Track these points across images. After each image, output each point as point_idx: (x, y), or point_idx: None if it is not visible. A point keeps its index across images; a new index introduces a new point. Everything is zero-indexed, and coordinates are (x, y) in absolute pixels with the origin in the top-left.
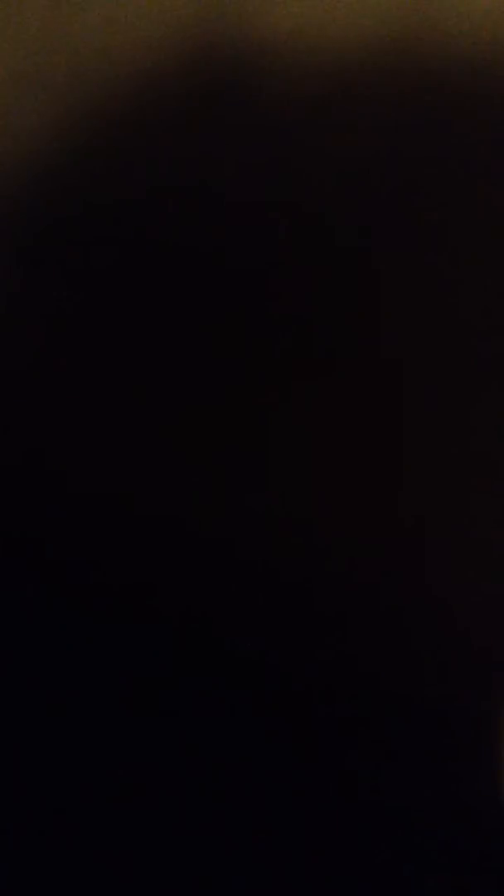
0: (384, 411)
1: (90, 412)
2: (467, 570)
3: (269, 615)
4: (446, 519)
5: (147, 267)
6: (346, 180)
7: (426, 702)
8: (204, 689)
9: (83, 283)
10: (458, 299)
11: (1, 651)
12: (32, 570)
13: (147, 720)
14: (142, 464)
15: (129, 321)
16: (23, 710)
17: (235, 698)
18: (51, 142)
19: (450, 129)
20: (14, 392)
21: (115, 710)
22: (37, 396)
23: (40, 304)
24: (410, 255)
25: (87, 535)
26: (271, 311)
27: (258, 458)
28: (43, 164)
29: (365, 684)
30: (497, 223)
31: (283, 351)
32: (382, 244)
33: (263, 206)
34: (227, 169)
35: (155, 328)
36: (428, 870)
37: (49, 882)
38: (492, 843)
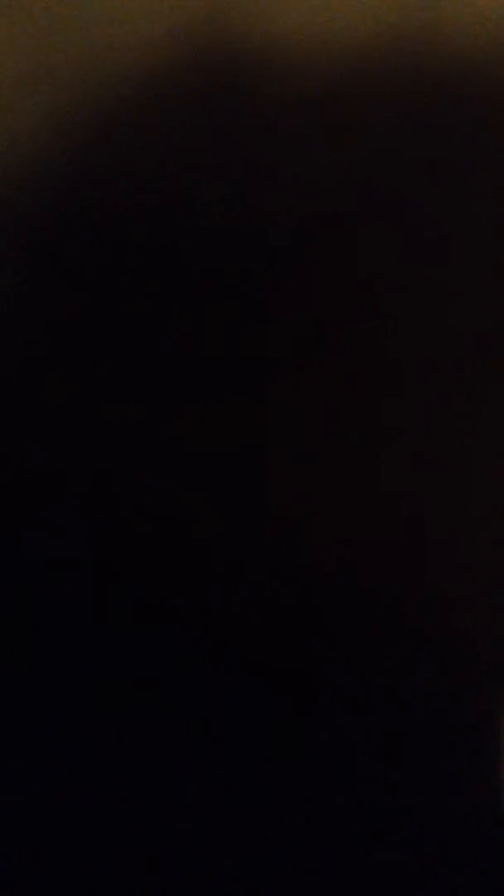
0: (384, 410)
1: (90, 411)
2: (467, 570)
3: (268, 614)
4: (446, 519)
5: (147, 266)
6: (346, 180)
7: (426, 702)
8: (203, 687)
9: (83, 282)
10: (458, 299)
11: (1, 650)
12: (31, 569)
13: (145, 719)
14: (141, 463)
15: (129, 320)
16: (23, 710)
17: (234, 697)
18: (51, 142)
19: (450, 129)
20: (13, 391)
21: (114, 709)
22: (36, 395)
23: (40, 304)
24: (410, 254)
25: (85, 534)
26: (271, 311)
27: (258, 457)
28: (43, 164)
29: (364, 684)
30: (497, 223)
31: (282, 350)
32: (382, 244)
33: (263, 206)
34: (227, 169)
35: (154, 327)
36: (428, 870)
37: (50, 881)
38: (492, 843)
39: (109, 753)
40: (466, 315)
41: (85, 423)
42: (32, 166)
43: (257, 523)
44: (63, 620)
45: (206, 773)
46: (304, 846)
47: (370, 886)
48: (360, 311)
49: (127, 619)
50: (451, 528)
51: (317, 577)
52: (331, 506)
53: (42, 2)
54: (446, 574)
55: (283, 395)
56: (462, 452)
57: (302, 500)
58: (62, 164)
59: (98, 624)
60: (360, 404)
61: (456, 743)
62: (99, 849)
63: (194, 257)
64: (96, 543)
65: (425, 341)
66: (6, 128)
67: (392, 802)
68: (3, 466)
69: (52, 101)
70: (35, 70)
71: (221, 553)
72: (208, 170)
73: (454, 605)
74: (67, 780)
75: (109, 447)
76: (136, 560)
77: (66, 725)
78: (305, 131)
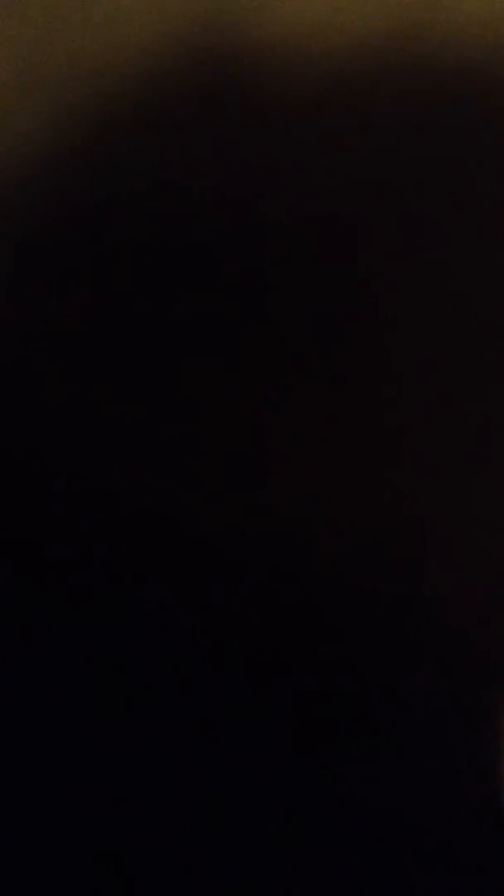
0: (384, 409)
1: (89, 411)
2: (467, 571)
3: (268, 614)
4: (446, 519)
5: (146, 266)
6: (346, 180)
7: (426, 701)
8: (202, 687)
9: (83, 282)
10: (458, 299)
11: (1, 650)
12: (31, 569)
13: (144, 719)
14: (140, 463)
15: (129, 320)
16: (21, 710)
17: (233, 697)
18: (51, 142)
19: (450, 129)
20: (12, 391)
21: (114, 709)
22: (36, 395)
23: (40, 304)
24: (411, 255)
25: (85, 533)
26: (271, 310)
27: (258, 457)
28: (43, 164)
29: (364, 683)
30: (497, 223)
31: (282, 350)
32: (382, 244)
33: (263, 206)
34: (227, 169)
35: (154, 327)
36: (428, 870)
37: (50, 881)
38: (492, 843)
39: (109, 753)
40: (467, 315)
41: (85, 424)
42: (32, 166)
43: (257, 523)
44: (63, 620)
45: (206, 773)
46: (303, 846)
47: (370, 886)
48: (359, 310)
49: (127, 619)
50: (451, 527)
51: (317, 577)
52: (331, 506)
53: (42, 2)
54: (446, 574)
55: (282, 394)
56: (463, 451)
57: (302, 500)
58: (62, 164)
59: (98, 624)
60: (360, 403)
61: (456, 743)
62: (98, 848)
63: (194, 257)
64: (96, 543)
65: (425, 340)
66: (6, 128)
67: (392, 802)
68: (2, 466)
69: (52, 101)
70: (35, 70)
71: (221, 553)
72: (208, 170)
73: (454, 605)
74: (67, 780)
75: (109, 447)
76: (136, 560)
77: (66, 725)
78: (305, 131)
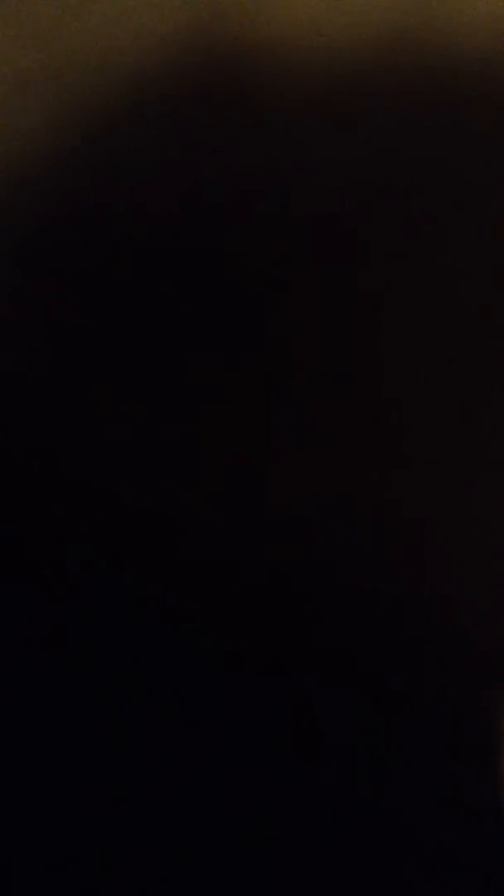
0: (384, 410)
1: (89, 412)
2: (467, 570)
3: (267, 615)
4: (446, 519)
5: (146, 266)
6: (346, 180)
7: (426, 701)
8: (202, 687)
9: (83, 282)
10: (459, 299)
11: (0, 650)
12: (31, 569)
13: (144, 719)
14: (141, 464)
15: (129, 321)
16: (21, 710)
17: (234, 696)
18: (51, 142)
19: (450, 129)
20: (12, 391)
21: (112, 709)
22: (35, 396)
23: (40, 304)
24: (411, 254)
25: (85, 533)
26: (271, 310)
27: (258, 457)
28: (43, 164)
29: (365, 684)
30: (497, 223)
31: (282, 350)
32: (382, 244)
33: (263, 206)
34: (226, 169)
35: (154, 328)
36: (428, 870)
37: (48, 881)
38: (492, 843)
39: (109, 753)
40: (467, 315)
41: (85, 424)
42: (32, 166)
43: (257, 523)
44: (63, 620)
45: (205, 773)
46: (303, 846)
47: (370, 886)
48: (359, 310)
49: (127, 619)
50: (451, 527)
51: (317, 577)
52: (331, 506)
53: (42, 2)
54: (446, 574)
55: (283, 394)
56: (463, 451)
57: (302, 501)
58: (62, 164)
59: (98, 623)
60: (360, 403)
61: (456, 743)
62: (98, 849)
63: (194, 257)
64: (96, 543)
65: (426, 340)
66: (6, 127)
67: (392, 802)
68: (2, 466)
69: (52, 100)
70: (35, 70)
71: (221, 553)
72: (208, 170)
73: (454, 605)
74: (67, 781)
75: (110, 447)
76: (136, 559)
77: (66, 725)
78: (305, 131)
